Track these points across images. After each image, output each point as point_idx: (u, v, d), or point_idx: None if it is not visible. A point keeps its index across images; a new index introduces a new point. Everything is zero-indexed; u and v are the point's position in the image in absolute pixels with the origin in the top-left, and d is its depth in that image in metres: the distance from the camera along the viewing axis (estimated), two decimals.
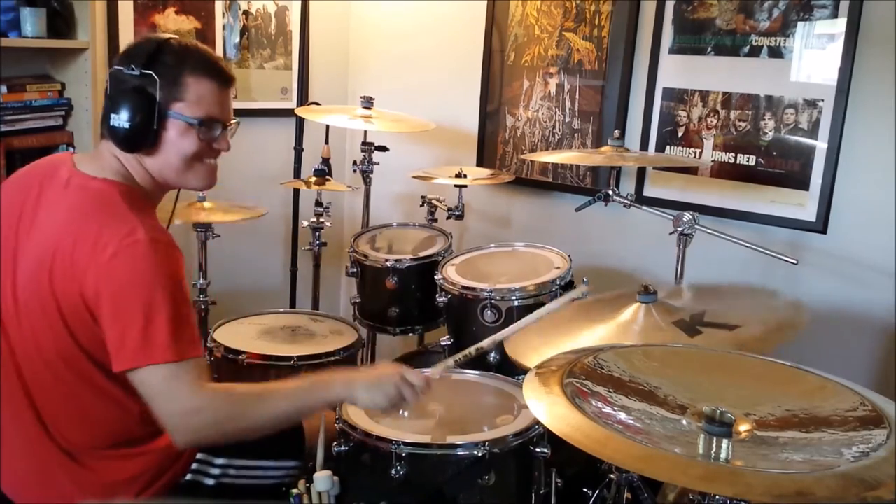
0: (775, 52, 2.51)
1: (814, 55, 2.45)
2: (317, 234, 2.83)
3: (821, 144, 2.46)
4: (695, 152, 2.70)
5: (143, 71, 1.44)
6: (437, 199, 2.80)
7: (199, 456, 1.64)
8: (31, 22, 2.33)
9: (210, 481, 1.65)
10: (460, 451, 1.57)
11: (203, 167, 1.55)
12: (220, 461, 1.66)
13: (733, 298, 1.81)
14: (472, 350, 1.70)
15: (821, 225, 2.48)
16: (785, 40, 2.49)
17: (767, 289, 1.84)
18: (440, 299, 2.24)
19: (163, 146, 1.48)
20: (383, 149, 2.88)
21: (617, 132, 2.41)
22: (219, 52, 3.04)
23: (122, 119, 1.43)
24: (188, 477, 1.62)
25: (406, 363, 2.48)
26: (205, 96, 1.48)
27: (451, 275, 2.26)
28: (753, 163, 2.59)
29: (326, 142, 3.05)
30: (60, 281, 1.39)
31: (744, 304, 1.77)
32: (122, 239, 1.36)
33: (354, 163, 2.89)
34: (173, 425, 1.40)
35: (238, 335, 2.29)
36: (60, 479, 1.49)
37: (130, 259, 1.36)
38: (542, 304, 2.11)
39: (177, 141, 1.48)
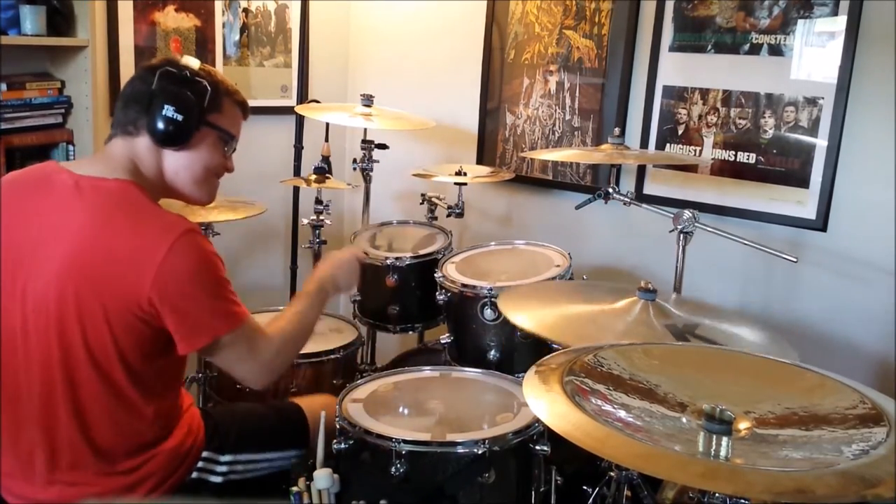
0: (775, 50, 2.51)
1: (814, 53, 2.45)
2: (317, 232, 2.83)
3: (821, 142, 2.46)
4: (695, 150, 2.70)
5: (197, 77, 1.56)
6: (437, 197, 2.80)
7: (204, 454, 1.65)
8: (31, 20, 2.33)
9: (217, 479, 1.66)
10: (460, 449, 1.57)
11: (213, 184, 1.67)
12: (225, 458, 1.68)
13: (730, 322, 1.81)
14: None
15: (821, 223, 2.49)
16: (785, 38, 2.49)
17: (766, 323, 1.83)
18: (440, 297, 2.24)
19: (192, 149, 1.57)
20: (383, 147, 2.88)
21: (617, 130, 2.41)
22: (218, 50, 3.05)
23: (170, 111, 1.51)
24: (194, 475, 1.63)
25: (406, 362, 2.50)
26: (234, 119, 1.65)
27: (451, 273, 2.26)
28: (753, 161, 2.59)
29: (326, 140, 3.05)
30: (107, 281, 1.41)
31: (739, 331, 1.77)
32: (169, 233, 1.42)
33: (354, 161, 2.88)
34: (260, 375, 1.58)
35: None
36: (66, 486, 1.49)
37: (184, 251, 1.43)
38: None
39: (206, 150, 1.60)
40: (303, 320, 1.69)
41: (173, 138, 1.53)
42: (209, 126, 1.58)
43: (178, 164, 1.57)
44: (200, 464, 1.65)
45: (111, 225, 1.44)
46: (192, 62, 1.59)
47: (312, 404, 1.87)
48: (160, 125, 1.51)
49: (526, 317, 1.76)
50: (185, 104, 1.53)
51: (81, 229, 1.43)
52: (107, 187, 1.48)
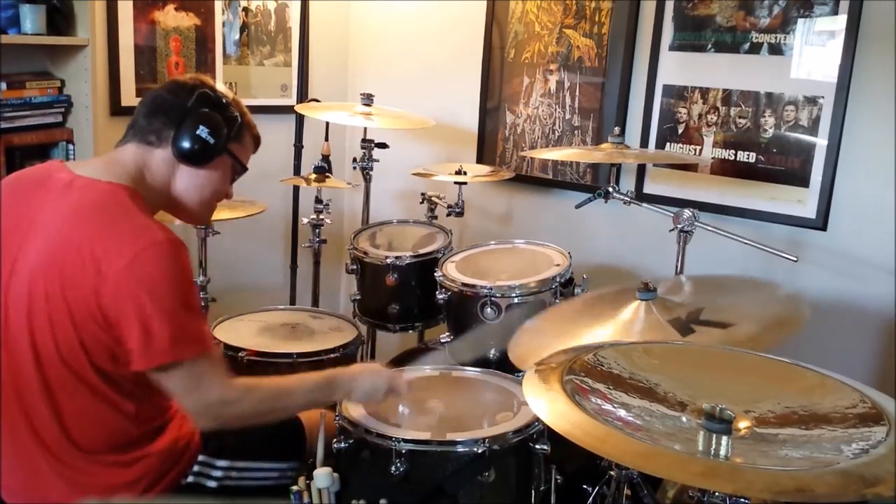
0: (775, 49, 2.51)
1: (814, 52, 2.45)
2: (317, 231, 2.83)
3: (821, 141, 2.46)
4: (695, 149, 2.70)
5: (231, 107, 1.61)
6: (437, 196, 2.80)
7: (200, 458, 1.64)
8: (31, 18, 2.33)
9: (212, 483, 1.65)
10: (460, 448, 1.57)
11: (214, 207, 1.70)
12: (222, 463, 1.66)
13: (735, 293, 1.81)
14: None
15: (821, 222, 2.49)
16: (785, 37, 2.49)
17: (772, 283, 1.82)
18: (440, 296, 2.24)
19: (208, 170, 1.60)
20: (383, 146, 2.88)
21: (617, 129, 2.41)
22: (218, 49, 3.05)
23: (204, 132, 1.54)
24: (190, 479, 1.62)
25: (405, 361, 2.49)
26: (248, 151, 1.70)
27: (451, 272, 2.26)
28: (753, 160, 2.59)
29: (326, 139, 3.05)
30: (73, 282, 1.39)
31: (744, 298, 1.77)
32: (141, 239, 1.39)
33: (354, 160, 2.88)
34: (201, 414, 1.49)
35: (238, 332, 2.29)
36: (62, 483, 1.48)
37: (153, 259, 1.39)
38: (542, 302, 2.11)
39: (219, 175, 1.63)
40: (288, 397, 1.59)
41: (197, 158, 1.55)
42: (229, 154, 1.61)
43: (191, 183, 1.59)
44: (196, 468, 1.63)
45: (86, 224, 1.42)
46: (227, 91, 1.64)
47: (311, 414, 1.84)
48: (188, 143, 1.53)
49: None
50: (218, 128, 1.56)
51: (59, 228, 1.43)
52: (96, 188, 1.47)
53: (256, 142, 1.71)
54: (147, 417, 1.56)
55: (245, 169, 1.68)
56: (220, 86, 1.64)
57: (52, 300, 1.40)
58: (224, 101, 1.60)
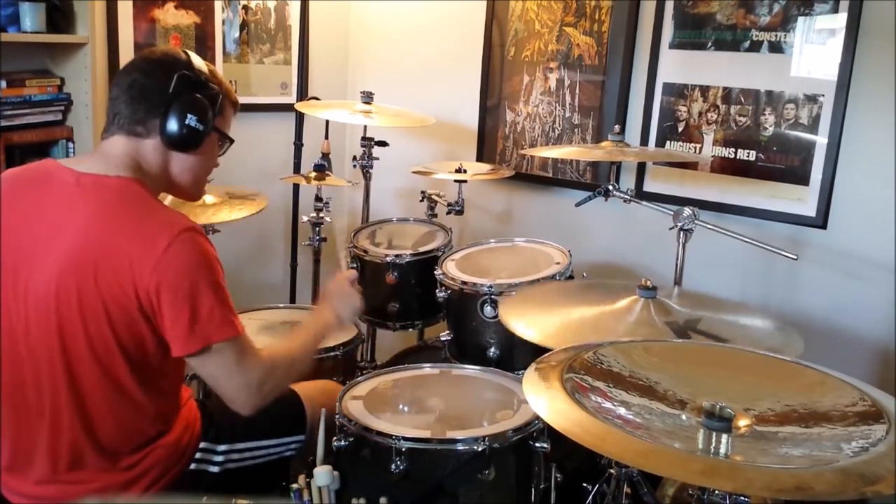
0: (776, 47, 2.51)
1: (814, 50, 2.45)
2: (317, 229, 2.83)
3: (821, 139, 2.46)
4: (695, 147, 2.70)
5: (211, 83, 1.58)
6: (437, 194, 2.80)
7: (201, 445, 1.65)
8: (31, 17, 2.33)
9: (214, 468, 1.66)
10: (460, 446, 1.57)
11: (206, 182, 1.70)
12: (222, 448, 1.68)
13: (733, 314, 1.81)
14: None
15: (821, 220, 2.49)
16: (785, 35, 2.49)
17: (770, 313, 1.82)
18: (440, 294, 2.24)
19: (200, 152, 1.59)
20: (383, 144, 2.88)
21: (617, 127, 2.40)
22: (218, 47, 3.05)
23: (192, 120, 1.53)
24: (192, 467, 1.63)
25: (406, 359, 2.50)
26: (230, 120, 1.68)
27: (451, 270, 2.26)
28: (754, 158, 2.59)
29: (326, 137, 3.05)
30: (108, 279, 1.40)
31: (742, 321, 1.77)
32: (170, 229, 1.42)
33: (354, 158, 2.88)
34: (247, 395, 1.50)
35: None
36: (66, 484, 1.49)
37: (185, 248, 1.42)
38: None
39: (210, 153, 1.63)
40: (299, 354, 1.66)
41: (188, 144, 1.55)
42: (215, 130, 1.61)
43: (185, 166, 1.59)
44: (198, 455, 1.65)
45: (113, 220, 1.44)
46: (202, 63, 1.59)
47: (309, 389, 1.87)
48: (178, 132, 1.52)
49: (527, 323, 1.74)
50: (204, 113, 1.55)
51: (83, 225, 1.43)
52: (109, 184, 1.48)
53: (235, 106, 1.69)
54: (163, 418, 1.58)
55: (231, 141, 1.67)
56: (195, 58, 1.59)
57: (85, 299, 1.41)
58: (203, 78, 1.57)
